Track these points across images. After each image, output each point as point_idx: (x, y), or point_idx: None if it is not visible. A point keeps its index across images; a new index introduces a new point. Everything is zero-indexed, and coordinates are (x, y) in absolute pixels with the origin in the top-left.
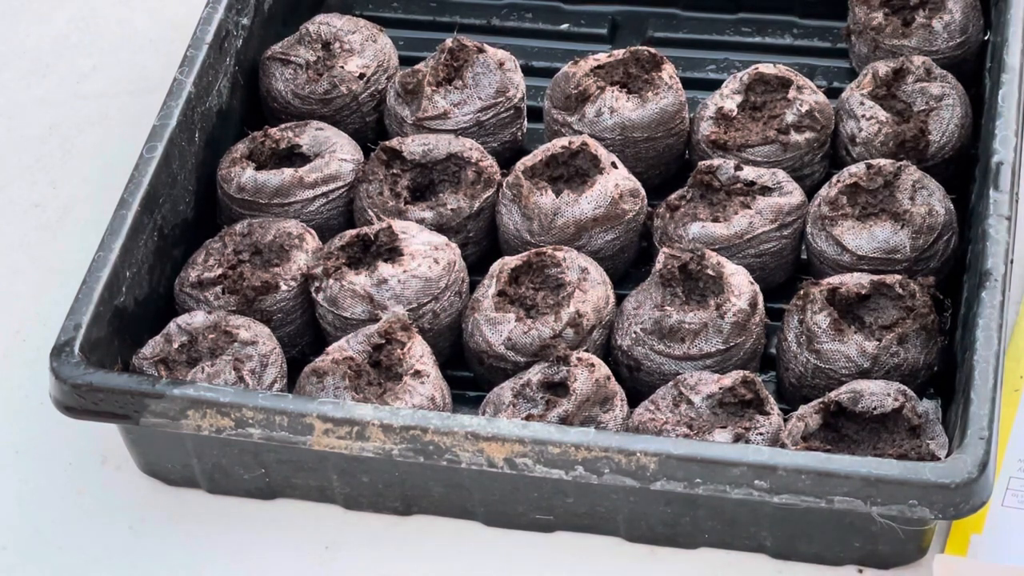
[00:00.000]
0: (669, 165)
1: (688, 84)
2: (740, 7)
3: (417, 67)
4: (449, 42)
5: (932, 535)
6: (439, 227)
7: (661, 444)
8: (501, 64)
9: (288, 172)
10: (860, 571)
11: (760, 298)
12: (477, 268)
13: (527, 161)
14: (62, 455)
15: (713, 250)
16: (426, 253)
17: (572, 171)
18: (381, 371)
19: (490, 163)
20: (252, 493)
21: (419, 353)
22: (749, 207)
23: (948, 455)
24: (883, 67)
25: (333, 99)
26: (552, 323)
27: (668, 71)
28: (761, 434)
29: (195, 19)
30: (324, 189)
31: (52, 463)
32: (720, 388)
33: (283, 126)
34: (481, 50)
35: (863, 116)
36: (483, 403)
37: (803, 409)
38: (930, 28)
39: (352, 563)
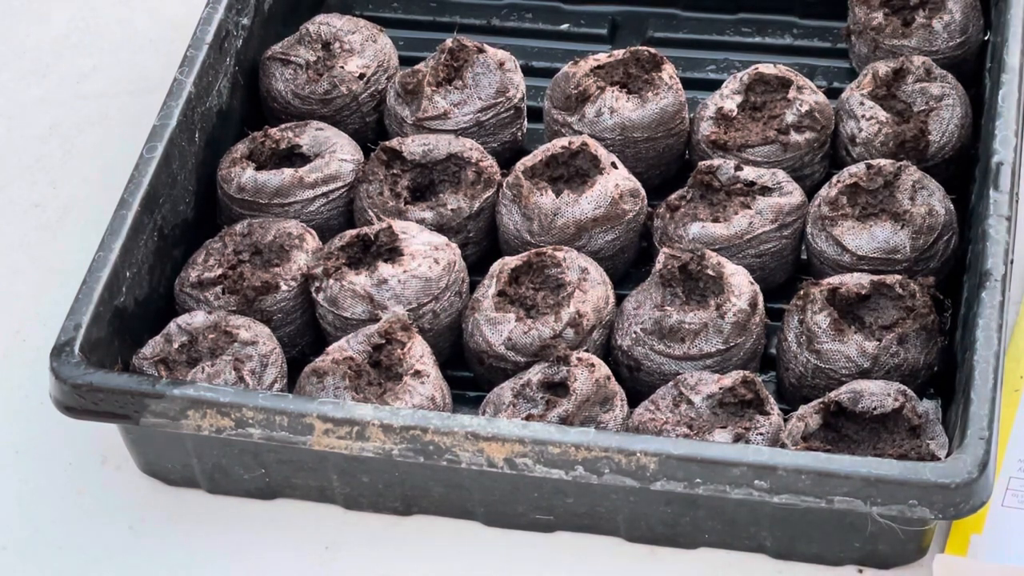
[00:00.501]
0: (669, 165)
1: (688, 84)
2: (740, 7)
3: (417, 67)
4: (449, 42)
5: (932, 535)
6: (439, 227)
7: (661, 444)
8: (501, 64)
9: (288, 172)
10: (860, 571)
11: (760, 298)
12: (477, 268)
13: (527, 161)
14: (62, 455)
15: (713, 250)
16: (426, 253)
17: (572, 171)
18: (381, 371)
19: (490, 163)
20: (252, 493)
21: (419, 353)
22: (749, 207)
23: (948, 455)
24: (883, 67)
25: (333, 99)
26: (552, 323)
27: (668, 71)
28: (761, 434)
29: (195, 19)
30: (324, 189)
31: (52, 463)
32: (720, 388)
33: (283, 126)
34: (481, 50)
35: (863, 116)
36: (483, 403)
37: (803, 409)
38: (930, 28)
39: (352, 563)
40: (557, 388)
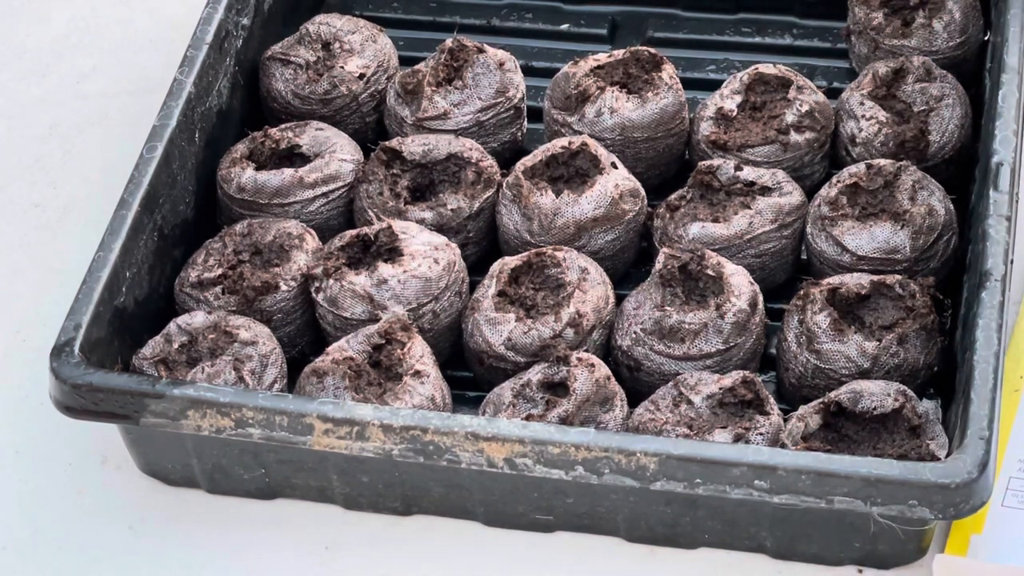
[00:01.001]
0: (669, 165)
1: (688, 84)
2: (740, 7)
3: (417, 67)
4: (449, 42)
5: (932, 535)
6: (439, 227)
7: (661, 444)
8: (501, 64)
9: (288, 172)
10: (860, 571)
11: (760, 298)
12: (477, 268)
13: (527, 161)
14: (62, 455)
15: (713, 250)
16: (426, 253)
17: (572, 171)
18: (381, 371)
19: (490, 163)
20: (252, 493)
21: (419, 353)
22: (749, 207)
23: (948, 455)
24: (883, 67)
25: (333, 99)
26: (552, 323)
27: (668, 71)
28: (761, 434)
29: (195, 19)
30: (324, 189)
31: (52, 463)
32: (720, 388)
33: (283, 126)
34: (481, 50)
35: (863, 116)
36: (483, 403)
37: (803, 409)
38: (930, 28)
39: (352, 563)
40: (557, 388)
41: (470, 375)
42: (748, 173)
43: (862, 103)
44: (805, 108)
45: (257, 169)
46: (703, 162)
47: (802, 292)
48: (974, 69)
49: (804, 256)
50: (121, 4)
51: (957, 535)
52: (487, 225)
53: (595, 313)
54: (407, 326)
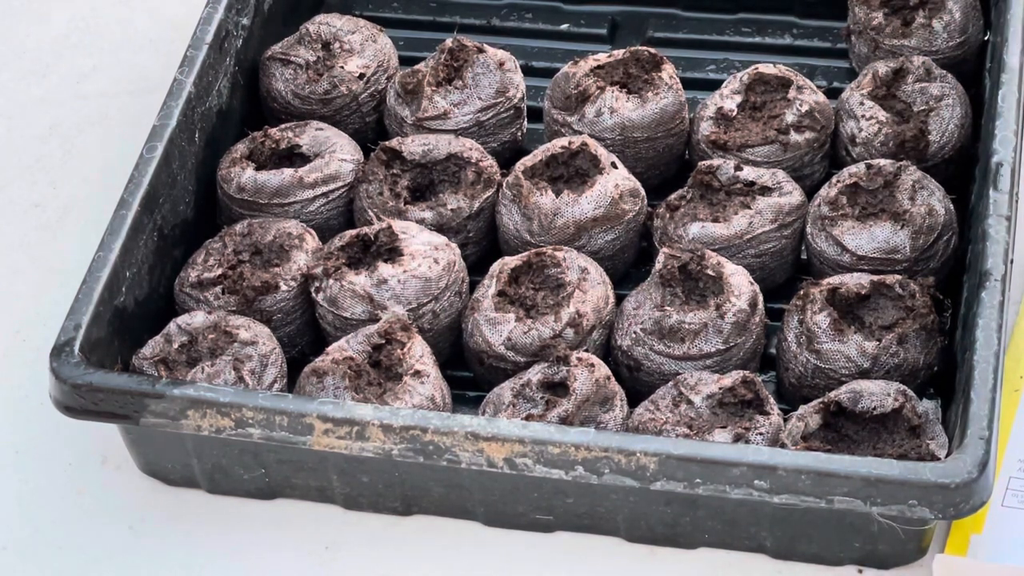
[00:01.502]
0: (669, 165)
1: (688, 84)
2: (740, 7)
3: (417, 67)
4: (449, 42)
5: (932, 535)
6: (439, 227)
7: (661, 444)
8: (501, 64)
9: (288, 172)
10: (860, 571)
11: (760, 298)
12: (477, 268)
13: (527, 161)
14: (62, 455)
15: (713, 250)
16: (426, 253)
17: (572, 171)
18: (381, 371)
19: (490, 163)
20: (252, 493)
21: (419, 353)
22: (749, 207)
23: (948, 455)
24: (883, 67)
25: (333, 99)
26: (552, 323)
27: (668, 71)
28: (761, 434)
29: (195, 19)
30: (324, 189)
31: (52, 463)
32: (720, 388)
33: (283, 126)
34: (481, 50)
35: (863, 116)
36: (483, 403)
37: (803, 409)
38: (930, 28)
39: (352, 563)
40: (557, 388)
41: (470, 375)
42: (748, 173)
43: (862, 103)
44: (805, 108)
45: (257, 169)
46: (703, 162)
47: (802, 292)
48: (974, 69)
49: (804, 256)
50: (121, 4)
51: (957, 535)
52: (487, 225)
53: (595, 313)
54: (407, 326)
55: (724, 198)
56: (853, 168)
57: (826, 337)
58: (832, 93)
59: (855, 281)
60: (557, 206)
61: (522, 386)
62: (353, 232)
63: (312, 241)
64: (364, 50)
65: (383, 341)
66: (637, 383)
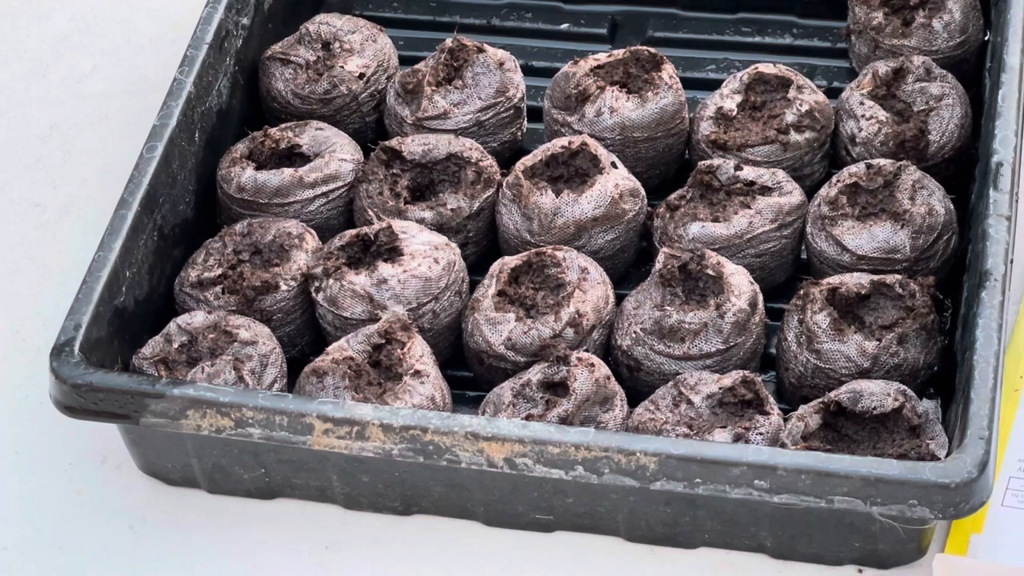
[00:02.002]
0: (669, 165)
1: (688, 84)
2: (740, 7)
3: (417, 67)
4: (449, 42)
5: (932, 535)
6: (439, 227)
7: (661, 444)
8: (501, 64)
9: (288, 172)
10: (860, 571)
11: (760, 298)
12: (477, 268)
13: (527, 161)
14: (62, 455)
15: (713, 250)
16: (426, 253)
17: (572, 171)
18: (381, 371)
19: (490, 163)
20: (252, 493)
21: (419, 353)
22: (749, 207)
23: (948, 455)
24: (883, 67)
25: (333, 99)
26: (552, 323)
27: (668, 71)
28: (761, 434)
29: (195, 19)
30: (324, 189)
31: (52, 463)
32: (720, 388)
33: (283, 126)
34: (481, 50)
35: (863, 116)
36: (483, 403)
37: (803, 409)
38: (930, 28)
39: (352, 563)
40: (557, 388)
41: (470, 375)
42: (748, 173)
43: (862, 103)
44: (805, 108)
45: (257, 169)
46: (703, 162)
47: (802, 292)
48: (974, 69)
49: (804, 256)
50: (121, 4)
51: (957, 535)
52: (487, 225)
53: (595, 313)
54: (407, 326)
55: (724, 198)
56: (853, 168)
57: (826, 337)
58: (832, 93)
59: (855, 281)
60: (557, 206)
61: (522, 386)
62: (353, 232)
63: (312, 241)
64: (364, 50)
65: (383, 341)
66: (637, 383)
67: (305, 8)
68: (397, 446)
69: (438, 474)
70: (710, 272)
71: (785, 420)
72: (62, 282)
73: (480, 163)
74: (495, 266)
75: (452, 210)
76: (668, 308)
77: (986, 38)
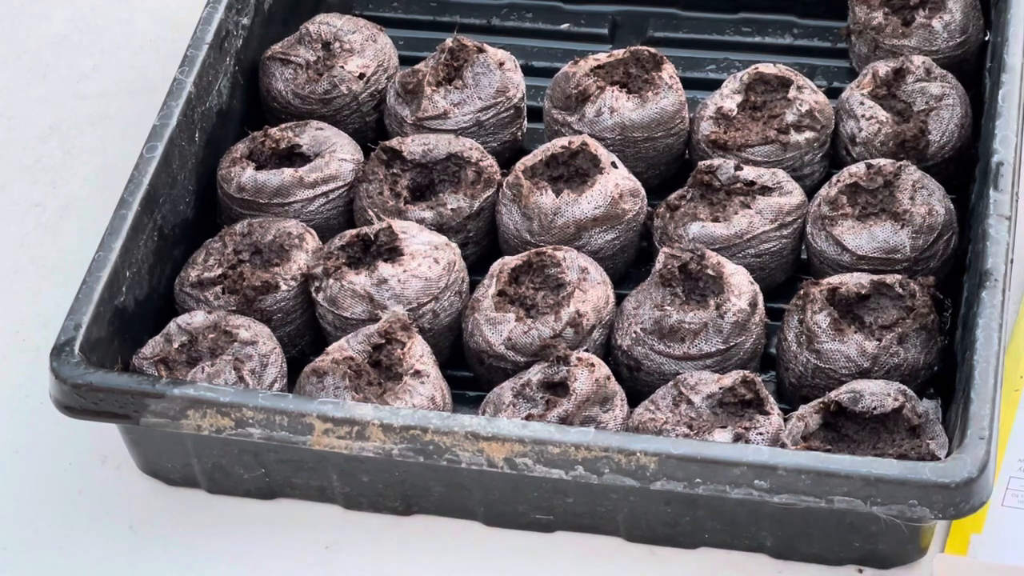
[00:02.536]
0: (669, 165)
1: (688, 84)
2: (740, 7)
3: (417, 67)
4: (449, 42)
5: (932, 535)
6: (439, 227)
7: (661, 444)
8: (501, 64)
9: (288, 172)
10: (860, 571)
11: (760, 298)
12: (477, 268)
13: (527, 161)
14: (62, 455)
15: (713, 250)
16: (426, 253)
17: (572, 171)
18: (381, 371)
19: (490, 163)
20: (252, 493)
21: (419, 353)
22: (749, 207)
23: (948, 455)
24: (883, 67)
25: (333, 99)
26: (552, 323)
27: (668, 71)
28: (761, 434)
29: (195, 19)
30: (324, 189)
31: (52, 463)
32: (720, 388)
33: (283, 126)
34: (481, 50)
35: (863, 116)
36: (483, 403)
37: (803, 409)
38: (930, 28)
39: (352, 563)
40: (557, 388)
41: (470, 375)
42: (748, 173)
43: (862, 103)
44: (805, 108)
45: (257, 169)
46: (703, 162)
47: (802, 292)
48: (974, 69)
49: (804, 256)
50: (121, 4)
51: (957, 535)
52: (487, 225)
53: (595, 313)
54: (407, 326)
55: (724, 198)
56: (853, 168)
57: (826, 337)
58: (832, 93)
59: (855, 281)
60: (557, 206)
61: (522, 386)
62: (353, 232)
63: (312, 241)
64: (364, 50)
65: (383, 341)
66: (637, 383)
67: (305, 8)
68: (397, 446)
69: (438, 474)
70: (710, 272)
71: (785, 420)
72: (62, 282)
73: (480, 163)
74: (495, 266)
75: (452, 210)
76: (668, 308)
77: (986, 38)
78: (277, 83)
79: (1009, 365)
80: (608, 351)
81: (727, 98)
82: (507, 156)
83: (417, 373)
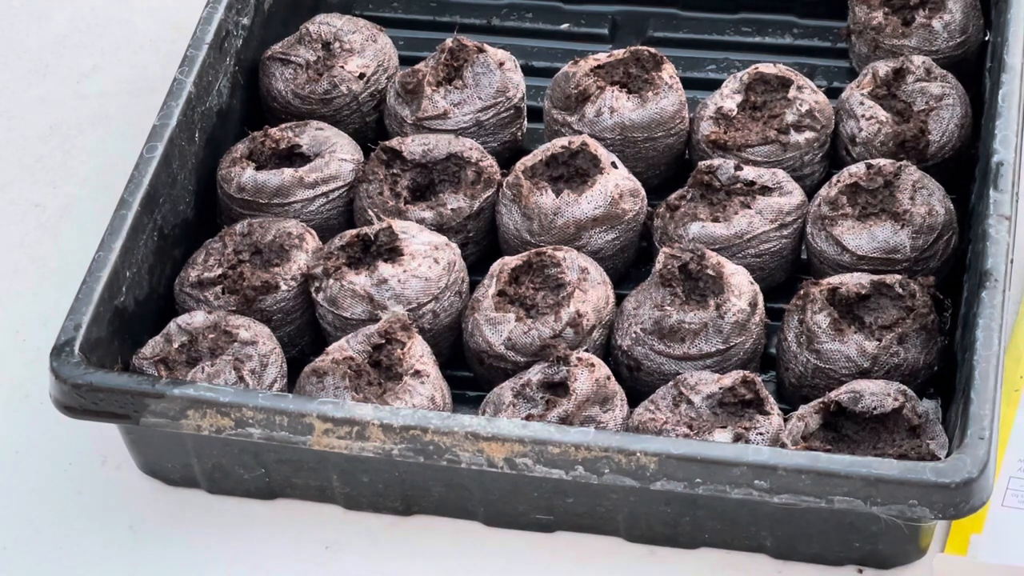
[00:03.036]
0: (669, 165)
1: (688, 84)
2: (740, 7)
3: (417, 67)
4: (449, 42)
5: (932, 535)
6: (439, 227)
7: (661, 444)
8: (501, 64)
9: (288, 172)
10: (860, 571)
11: (760, 298)
12: (477, 268)
13: (527, 161)
14: (62, 455)
15: (713, 250)
16: (426, 253)
17: (572, 171)
18: (381, 371)
19: (490, 163)
20: (252, 493)
21: (419, 353)
22: (749, 207)
23: (948, 455)
24: (883, 67)
25: (333, 99)
26: (552, 323)
27: (668, 71)
28: (761, 434)
29: (195, 19)
30: (324, 189)
31: (52, 463)
32: (720, 388)
33: (283, 126)
34: (481, 50)
35: (863, 116)
36: (483, 403)
37: (803, 409)
38: (930, 28)
39: (352, 563)
40: (557, 388)
41: (470, 375)
42: (748, 173)
43: (862, 103)
44: (805, 108)
45: (257, 169)
46: (703, 162)
47: (802, 292)
48: (974, 69)
49: (804, 256)
50: (121, 4)
51: (957, 535)
52: (487, 225)
53: (595, 313)
54: (407, 326)
55: (724, 198)
56: (853, 168)
57: (826, 337)
58: (832, 93)
59: (855, 281)
60: (557, 206)
61: (522, 386)
62: (353, 232)
63: (312, 241)
64: (364, 50)
65: (383, 341)
66: (637, 383)
67: (305, 8)
68: (397, 446)
69: (438, 474)
70: (710, 272)
71: (785, 420)
72: (62, 282)
73: (480, 163)
74: (495, 266)
75: (452, 210)
76: (668, 308)
77: (986, 38)
78: (277, 83)
79: (1009, 365)
80: (608, 351)
81: (727, 98)
82: (507, 156)
83: (417, 373)
